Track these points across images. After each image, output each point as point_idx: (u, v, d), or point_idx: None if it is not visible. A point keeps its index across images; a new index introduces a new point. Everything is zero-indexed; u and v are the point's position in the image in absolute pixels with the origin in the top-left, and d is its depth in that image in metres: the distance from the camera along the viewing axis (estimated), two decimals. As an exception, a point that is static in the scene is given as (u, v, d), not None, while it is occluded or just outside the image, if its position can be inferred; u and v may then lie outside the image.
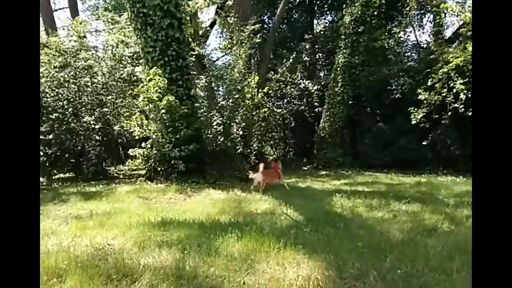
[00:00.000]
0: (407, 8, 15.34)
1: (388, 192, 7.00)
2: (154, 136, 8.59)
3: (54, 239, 3.80)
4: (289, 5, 18.53)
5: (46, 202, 6.10)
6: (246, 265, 3.00)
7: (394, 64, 14.88)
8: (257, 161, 11.46)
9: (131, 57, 12.81)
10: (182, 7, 9.65)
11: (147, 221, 4.53)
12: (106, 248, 3.49)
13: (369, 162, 13.29)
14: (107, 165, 12.75)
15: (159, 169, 8.79)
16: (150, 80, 8.20)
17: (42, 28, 15.61)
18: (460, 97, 10.06)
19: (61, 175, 10.83)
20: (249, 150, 13.39)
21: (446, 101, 10.57)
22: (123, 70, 11.74)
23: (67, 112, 10.17)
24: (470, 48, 10.24)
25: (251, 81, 11.43)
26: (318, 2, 20.59)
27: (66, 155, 10.34)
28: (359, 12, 13.42)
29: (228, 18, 13.46)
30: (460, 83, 10.16)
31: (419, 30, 19.17)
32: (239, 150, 12.20)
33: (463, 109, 10.03)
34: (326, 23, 20.88)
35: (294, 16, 20.77)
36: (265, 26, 19.01)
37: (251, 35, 13.12)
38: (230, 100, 11.05)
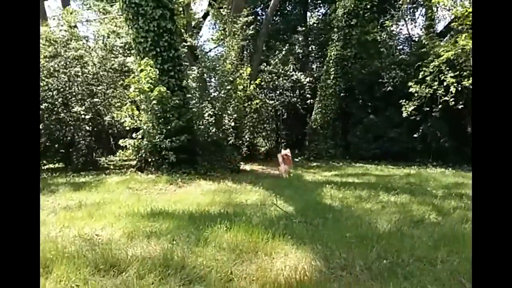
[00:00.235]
0: (400, 2, 15.29)
1: (377, 183, 7.07)
2: (145, 127, 8.54)
3: (42, 229, 3.77)
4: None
5: (35, 192, 6.03)
6: (234, 256, 3.02)
7: (386, 57, 14.93)
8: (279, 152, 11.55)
9: (122, 47, 12.65)
10: (174, -2, 9.52)
11: (136, 212, 4.52)
12: (94, 239, 3.48)
13: (360, 153, 13.41)
14: (98, 155, 12.67)
15: (149, 160, 8.76)
16: (142, 70, 8.12)
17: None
18: (451, 90, 10.12)
19: (51, 166, 10.72)
20: (240, 142, 13.38)
21: (437, 94, 10.64)
22: (114, 60, 11.59)
23: (56, 102, 10.03)
24: (461, 42, 10.28)
25: (243, 73, 11.37)
26: (311, -6, 20.49)
27: (56, 146, 10.25)
28: (352, 5, 13.42)
29: (221, 10, 13.32)
30: (451, 77, 10.21)
31: (411, 24, 19.20)
32: (230, 142, 12.18)
33: (453, 102, 10.12)
34: (319, 15, 20.81)
35: (288, 8, 20.64)
36: (258, 18, 18.85)
37: (244, 26, 13.01)
38: (222, 92, 11.00)
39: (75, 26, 12.64)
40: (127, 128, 9.03)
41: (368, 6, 13.68)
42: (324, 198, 5.72)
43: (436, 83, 10.66)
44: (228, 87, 10.93)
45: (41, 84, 9.97)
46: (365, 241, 3.30)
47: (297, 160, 13.68)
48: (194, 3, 18.11)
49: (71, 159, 10.25)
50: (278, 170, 9.52)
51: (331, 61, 14.08)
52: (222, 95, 10.95)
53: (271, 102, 14.98)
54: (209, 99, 10.85)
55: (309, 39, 19.27)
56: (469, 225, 3.98)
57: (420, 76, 11.02)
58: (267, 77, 15.18)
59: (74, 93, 10.72)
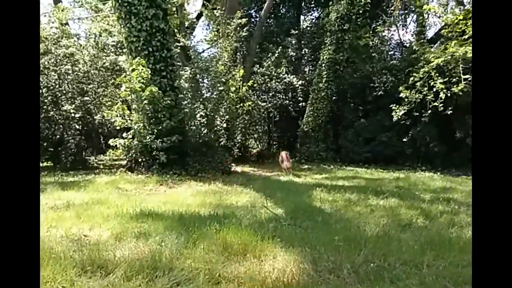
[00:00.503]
0: (392, 8, 15.53)
1: (367, 187, 7.12)
2: (136, 127, 8.49)
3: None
4: (277, 0, 18.48)
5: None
6: (223, 258, 3.01)
7: (377, 62, 15.08)
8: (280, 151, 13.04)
9: (114, 46, 12.57)
10: (168, -2, 9.51)
11: (125, 213, 4.49)
12: (82, 240, 3.45)
13: (350, 157, 13.51)
14: (87, 155, 12.53)
15: (140, 160, 8.72)
16: (133, 70, 8.08)
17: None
18: (440, 96, 10.28)
19: (39, 165, 10.58)
20: (232, 143, 13.40)
21: (427, 100, 10.79)
22: (106, 59, 11.52)
23: (46, 100, 9.92)
24: (451, 49, 10.46)
25: (236, 74, 11.38)
26: (305, -2, 20.62)
27: (44, 144, 10.11)
28: (345, 10, 13.52)
29: (215, 11, 13.32)
30: (440, 83, 10.38)
31: (402, 30, 19.46)
32: (222, 143, 12.19)
33: (442, 108, 10.27)
34: (313, 19, 20.96)
35: (281, 11, 20.74)
36: (252, 20, 18.91)
37: (238, 28, 13.04)
38: (215, 93, 11.00)
39: (67, 24, 12.54)
40: (118, 127, 8.97)
41: (361, 11, 13.82)
42: (314, 201, 5.74)
43: (426, 88, 10.82)
44: (221, 88, 10.93)
45: (31, 81, 9.83)
46: (353, 245, 3.32)
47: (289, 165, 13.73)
48: (188, 4, 18.15)
49: (60, 158, 10.14)
50: (282, 166, 10.62)
51: (323, 65, 14.17)
52: (215, 96, 10.95)
53: (264, 104, 15.01)
54: (201, 100, 10.84)
55: (302, 42, 19.38)
56: (456, 229, 4.05)
57: (411, 82, 11.17)
58: (260, 79, 15.21)
59: (64, 91, 10.61)
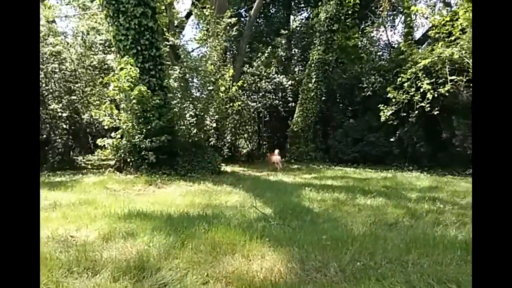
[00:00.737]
0: (380, 9, 15.70)
1: (355, 186, 7.21)
2: (124, 126, 8.41)
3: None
4: (266, -1, 18.54)
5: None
6: (211, 258, 3.02)
7: (366, 63, 15.25)
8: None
9: (102, 44, 12.44)
10: (157, -4, 9.45)
11: (113, 213, 4.45)
12: (69, 240, 3.41)
13: (339, 157, 13.63)
14: (75, 155, 12.39)
15: (129, 160, 8.65)
16: (122, 69, 8.01)
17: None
18: (427, 96, 10.45)
19: (25, 164, 10.39)
20: (222, 143, 13.38)
21: (414, 100, 10.96)
22: (94, 57, 11.40)
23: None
24: (438, 50, 10.64)
25: (225, 74, 11.37)
26: (295, -2, 20.71)
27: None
28: (334, 10, 13.63)
29: (205, 10, 13.28)
30: (427, 83, 10.54)
31: (391, 31, 19.70)
32: (212, 143, 12.18)
33: (429, 108, 10.44)
34: (303, 19, 21.05)
35: (271, 11, 20.80)
36: (242, 19, 18.90)
37: (227, 27, 13.03)
38: (204, 92, 10.97)
39: (53, 21, 12.36)
40: (106, 127, 8.88)
41: (350, 12, 13.95)
42: (303, 201, 5.78)
43: (413, 89, 10.98)
44: (210, 88, 10.92)
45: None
46: (341, 244, 3.35)
47: (281, 160, 13.78)
48: (177, 2, 18.02)
49: (47, 158, 9.99)
50: (274, 162, 11.52)
51: (313, 65, 14.25)
52: (204, 96, 10.92)
53: (253, 104, 15.04)
54: (190, 99, 10.80)
55: (292, 42, 19.45)
56: (440, 228, 4.13)
57: (398, 82, 11.34)
58: (250, 79, 15.22)
59: (51, 90, 10.47)
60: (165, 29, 13.35)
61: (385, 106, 11.59)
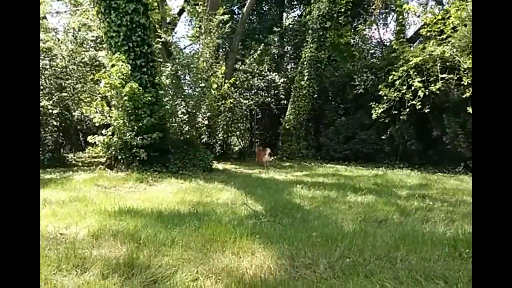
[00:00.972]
0: (373, 7, 15.77)
1: (346, 184, 7.26)
2: (115, 124, 8.35)
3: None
4: (259, -4, 18.50)
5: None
6: (202, 255, 3.03)
7: (358, 60, 15.30)
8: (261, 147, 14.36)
9: (94, 41, 12.32)
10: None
11: (103, 210, 4.43)
12: (58, 238, 3.39)
13: (331, 154, 13.70)
14: (65, 152, 12.28)
15: (120, 157, 8.56)
16: (113, 65, 7.94)
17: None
18: (418, 94, 10.53)
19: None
20: (214, 140, 13.36)
21: (405, 98, 11.05)
22: (85, 54, 11.28)
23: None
24: (429, 48, 10.74)
25: (217, 71, 11.33)
26: (287, -5, 20.69)
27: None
28: (327, 8, 13.64)
29: (197, 7, 13.19)
30: (418, 81, 10.63)
31: (383, 29, 19.82)
32: (204, 140, 12.14)
33: (420, 106, 10.53)
34: (295, 16, 21.01)
35: (264, 8, 20.74)
36: (235, 16, 18.84)
37: (220, 25, 12.97)
38: (196, 90, 10.92)
39: (44, 17, 12.19)
40: (97, 124, 8.80)
41: (342, 10, 13.99)
42: (294, 198, 5.81)
43: (404, 87, 11.07)
44: (202, 85, 10.87)
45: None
46: (330, 241, 3.38)
47: (271, 159, 13.80)
48: (170, -1, 17.86)
49: (37, 155, 9.88)
50: (265, 161, 11.77)
51: (305, 63, 14.27)
52: (196, 93, 10.87)
53: (246, 101, 15.01)
54: (182, 96, 10.74)
55: (285, 39, 19.43)
56: (429, 225, 4.19)
57: (390, 80, 11.41)
58: (242, 77, 15.18)
59: (41, 87, 10.33)
60: (157, 26, 13.23)
61: (377, 104, 11.67)
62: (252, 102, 15.27)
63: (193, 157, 9.43)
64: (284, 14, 21.15)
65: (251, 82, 15.60)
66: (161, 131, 8.52)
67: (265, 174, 9.40)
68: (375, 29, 18.96)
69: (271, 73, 16.17)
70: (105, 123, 8.64)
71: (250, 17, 18.88)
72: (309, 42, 14.26)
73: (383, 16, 19.32)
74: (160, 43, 11.44)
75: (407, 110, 11.09)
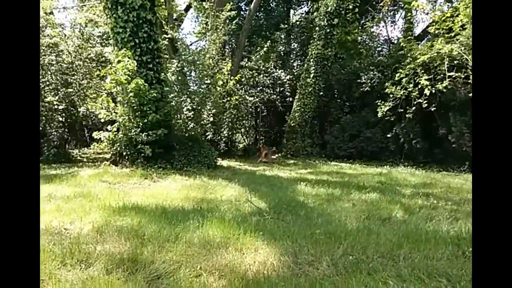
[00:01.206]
0: (381, 4, 15.61)
1: (350, 182, 7.23)
2: (120, 120, 8.39)
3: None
4: (266, -7, 18.42)
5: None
6: (205, 251, 3.04)
7: (365, 58, 15.20)
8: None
9: (100, 37, 12.36)
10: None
11: (108, 206, 4.46)
12: (62, 233, 3.43)
13: (335, 152, 13.65)
14: (70, 147, 12.36)
15: (125, 153, 8.61)
16: (119, 61, 7.97)
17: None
18: (425, 92, 10.45)
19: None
20: (219, 137, 13.38)
21: (411, 96, 10.96)
22: (91, 50, 11.32)
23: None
24: (437, 46, 10.62)
25: (223, 68, 11.32)
26: (295, -8, 20.59)
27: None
28: (334, 5, 13.55)
29: (204, 3, 13.18)
30: (425, 79, 10.54)
31: (391, 26, 19.62)
32: (208, 137, 12.16)
33: (426, 104, 10.45)
34: (302, 13, 20.93)
35: (271, 5, 20.67)
36: (242, 13, 18.79)
37: (227, 21, 12.95)
38: (202, 86, 10.93)
39: (51, 13, 12.26)
40: (102, 120, 8.84)
41: (350, 7, 13.85)
42: (298, 195, 5.81)
43: (411, 85, 10.98)
44: (208, 82, 10.87)
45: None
46: (334, 238, 3.38)
47: (274, 157, 13.80)
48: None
49: (42, 150, 9.96)
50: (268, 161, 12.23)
51: (311, 60, 14.21)
52: (202, 90, 10.87)
53: (251, 98, 15.01)
54: (188, 93, 10.75)
55: (291, 36, 19.37)
56: (433, 223, 4.16)
57: (397, 78, 11.32)
58: (248, 73, 15.17)
59: (47, 82, 10.41)
60: (163, 22, 13.26)
61: (383, 102, 11.60)
62: (257, 99, 15.26)
63: (198, 154, 9.45)
64: (291, 11, 21.07)
65: (256, 79, 15.59)
66: (166, 127, 8.54)
67: (269, 172, 9.40)
68: (383, 26, 18.80)
69: (277, 70, 16.14)
70: (111, 119, 8.68)
71: (257, 13, 18.82)
72: (315, 39, 14.20)
73: (391, 13, 19.11)
74: (167, 40, 11.46)
75: (413, 108, 11.01)
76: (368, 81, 13.17)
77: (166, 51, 11.94)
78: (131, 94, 7.99)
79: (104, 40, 12.36)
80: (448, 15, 10.66)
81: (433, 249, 3.16)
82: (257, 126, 18.13)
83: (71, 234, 3.40)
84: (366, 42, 17.63)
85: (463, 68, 10.22)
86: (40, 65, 10.15)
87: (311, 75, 14.08)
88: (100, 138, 8.68)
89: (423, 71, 10.83)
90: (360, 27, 17.31)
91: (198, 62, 11.08)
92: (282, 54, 18.66)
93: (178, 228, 3.57)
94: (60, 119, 10.27)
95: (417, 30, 16.90)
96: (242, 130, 16.81)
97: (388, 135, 12.45)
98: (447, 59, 10.44)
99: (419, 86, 10.75)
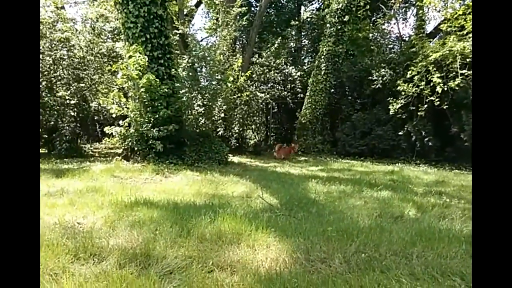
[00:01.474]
0: (392, 1, 15.40)
1: (362, 179, 7.17)
2: (132, 115, 8.44)
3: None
4: (277, -11, 18.32)
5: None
6: (217, 247, 3.04)
7: (376, 55, 15.02)
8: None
9: (111, 32, 12.44)
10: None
11: (120, 201, 4.49)
12: (75, 227, 3.46)
13: (346, 149, 13.56)
14: (82, 142, 12.50)
15: (136, 148, 8.68)
16: (130, 57, 8.01)
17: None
18: (437, 90, 10.30)
19: (34, 151, 10.52)
20: (230, 133, 13.40)
21: (423, 94, 10.82)
22: (103, 45, 11.40)
23: (40, 86, 9.83)
24: (449, 44, 10.46)
25: (234, 64, 11.31)
26: (306, -12, 20.43)
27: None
28: (346, 1, 13.43)
29: (215, -1, 13.19)
30: (437, 77, 10.39)
31: (402, 23, 19.35)
32: (219, 133, 12.19)
33: (438, 102, 10.30)
34: (313, 10, 20.78)
35: (282, 1, 20.57)
36: (252, 9, 18.74)
37: (237, 17, 12.93)
38: (213, 82, 10.94)
39: (62, 7, 12.36)
40: (114, 115, 8.92)
41: (362, 3, 13.71)
42: (309, 192, 5.78)
43: (423, 83, 10.85)
44: (218, 78, 10.88)
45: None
46: (346, 235, 3.35)
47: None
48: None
49: (55, 145, 10.09)
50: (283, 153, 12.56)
51: (322, 57, 14.11)
52: (212, 86, 10.89)
53: (262, 95, 14.99)
54: (199, 89, 10.77)
55: (302, 33, 19.26)
56: (446, 221, 4.10)
57: (408, 76, 11.19)
58: (259, 70, 15.14)
59: (59, 77, 10.52)
60: (174, 17, 13.30)
61: (394, 100, 11.47)
62: (268, 95, 15.24)
63: (209, 150, 9.47)
64: (302, 7, 20.94)
65: (267, 75, 15.56)
66: (177, 123, 8.58)
67: (280, 168, 9.38)
68: (394, 23, 18.54)
69: (288, 66, 16.06)
70: (122, 114, 8.74)
71: (268, 9, 18.74)
72: (327, 36, 14.09)
73: (403, 10, 18.85)
74: (177, 35, 11.50)
75: (425, 106, 10.87)
76: (380, 78, 13.03)
77: (177, 47, 11.99)
78: (142, 89, 8.03)
79: (115, 35, 12.44)
80: (460, 12, 10.48)
81: (447, 247, 3.11)
82: (267, 122, 18.10)
83: (84, 228, 3.43)
84: (378, 39, 17.41)
85: (476, 65, 10.03)
86: (52, 59, 10.27)
87: (322, 72, 13.98)
88: (111, 133, 8.75)
89: (435, 69, 10.69)
90: (371, 24, 17.11)
91: (208, 58, 11.09)
92: (293, 51, 18.57)
93: (190, 224, 3.58)
94: (72, 113, 10.38)
95: (429, 28, 16.66)
96: (253, 126, 16.81)
97: (400, 133, 12.31)
98: (459, 56, 10.27)
99: (431, 84, 10.62)
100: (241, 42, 17.88)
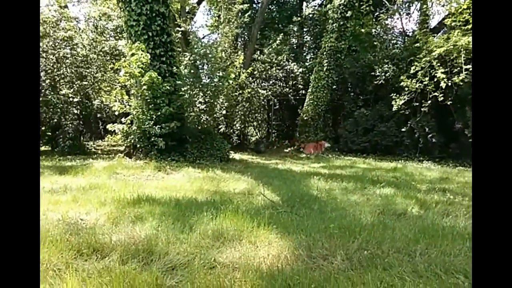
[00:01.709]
0: (396, -5, 15.31)
1: (364, 176, 7.15)
2: (134, 112, 8.46)
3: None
4: (279, -15, 18.24)
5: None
6: (219, 243, 3.04)
7: (379, 51, 14.94)
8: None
9: (114, 30, 12.45)
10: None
11: (123, 197, 4.50)
12: (79, 223, 3.47)
13: (349, 146, 13.53)
14: (85, 140, 12.54)
15: (138, 145, 8.70)
16: (133, 55, 8.02)
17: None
18: (441, 85, 10.23)
19: (37, 148, 10.58)
20: (231, 130, 13.40)
21: (427, 90, 10.75)
22: (105, 43, 11.41)
23: (44, 84, 9.86)
24: (454, 38, 10.37)
25: (235, 61, 11.29)
26: (308, -16, 20.33)
27: (42, 128, 10.11)
28: (348, -3, 13.33)
29: (216, -5, 13.16)
30: (441, 72, 10.31)
31: (405, 18, 19.22)
32: (221, 130, 12.19)
33: (442, 98, 10.23)
34: (315, 5, 20.67)
35: (284, -3, 20.48)
36: (254, 5, 18.68)
37: (239, 14, 12.90)
38: (214, 79, 10.93)
39: (66, 6, 12.39)
40: (116, 113, 8.94)
41: (364, -1, 13.63)
42: (311, 189, 5.77)
43: (427, 78, 10.76)
44: (220, 75, 10.87)
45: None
46: (348, 232, 3.34)
47: (286, 151, 13.77)
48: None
49: (58, 142, 10.14)
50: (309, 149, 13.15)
51: (324, 53, 14.04)
52: (214, 83, 10.88)
53: (263, 91, 14.96)
54: (200, 86, 10.77)
55: (304, 29, 19.17)
56: (450, 219, 4.08)
57: (412, 71, 11.11)
58: (260, 66, 15.10)
59: (62, 75, 10.55)
60: (176, 15, 13.28)
61: (397, 96, 11.41)
62: (269, 92, 15.20)
63: (210, 147, 9.48)
64: (304, 3, 20.83)
65: (269, 72, 15.51)
66: (179, 120, 8.59)
67: (282, 165, 9.37)
68: (398, 18, 18.38)
69: (290, 63, 16.00)
70: (124, 111, 8.77)
71: (270, 6, 18.68)
72: (329, 32, 14.01)
73: (406, 5, 18.69)
74: (179, 33, 11.48)
75: (429, 102, 10.80)
76: (383, 74, 12.96)
77: (179, 44, 11.97)
78: (144, 87, 8.03)
79: (118, 33, 12.45)
80: (465, 7, 10.38)
81: (450, 245, 3.09)
82: (269, 119, 18.08)
83: (87, 224, 3.45)
84: (381, 35, 17.30)
85: (481, 61, 9.94)
86: (55, 58, 10.30)
87: (324, 68, 13.93)
88: (114, 131, 8.78)
89: (439, 64, 10.60)
90: (374, 20, 17.01)
91: (210, 55, 11.08)
92: (295, 47, 18.49)
93: (192, 220, 3.58)
94: (75, 111, 10.42)
95: (433, 23, 16.52)
96: (255, 123, 16.79)
97: (403, 129, 12.26)
98: (464, 51, 10.18)
99: (435, 80, 10.54)
100: (242, 39, 17.84)
